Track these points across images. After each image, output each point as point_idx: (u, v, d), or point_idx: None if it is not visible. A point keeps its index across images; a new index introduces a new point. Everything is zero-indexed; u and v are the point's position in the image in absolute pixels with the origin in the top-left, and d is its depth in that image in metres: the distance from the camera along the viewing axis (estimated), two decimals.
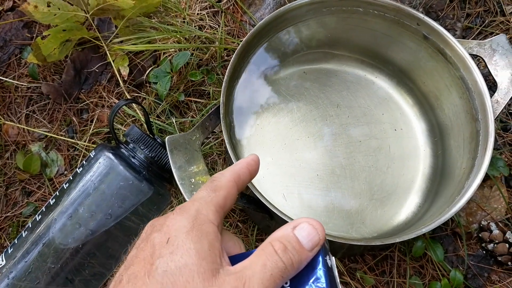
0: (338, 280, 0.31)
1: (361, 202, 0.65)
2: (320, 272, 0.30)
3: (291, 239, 0.29)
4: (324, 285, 0.29)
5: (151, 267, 0.27)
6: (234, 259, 0.30)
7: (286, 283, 0.30)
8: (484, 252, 0.69)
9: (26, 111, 0.77)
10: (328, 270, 0.30)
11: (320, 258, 0.30)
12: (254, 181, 0.65)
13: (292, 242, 0.29)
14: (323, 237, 0.30)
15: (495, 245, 0.67)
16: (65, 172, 0.74)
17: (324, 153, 0.67)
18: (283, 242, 0.29)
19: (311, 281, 0.29)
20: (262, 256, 0.28)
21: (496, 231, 0.68)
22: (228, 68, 0.58)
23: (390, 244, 0.67)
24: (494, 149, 0.72)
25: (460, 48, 0.60)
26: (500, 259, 0.67)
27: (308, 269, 0.30)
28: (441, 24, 0.78)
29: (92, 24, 0.75)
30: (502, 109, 0.60)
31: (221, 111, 0.55)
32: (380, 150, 0.67)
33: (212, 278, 0.26)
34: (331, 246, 0.64)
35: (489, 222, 0.69)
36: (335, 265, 0.32)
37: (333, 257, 0.32)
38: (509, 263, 0.67)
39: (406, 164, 0.66)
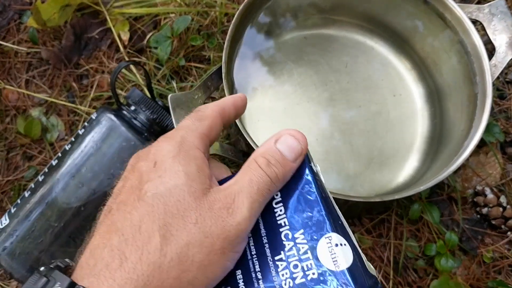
0: (324, 185, 0.32)
1: (360, 166, 0.66)
2: (308, 178, 0.31)
3: (274, 152, 0.30)
4: (314, 189, 0.30)
5: (140, 192, 0.27)
6: (223, 183, 0.31)
7: (276, 195, 0.31)
8: (478, 216, 0.70)
9: (26, 76, 0.77)
10: (315, 175, 0.31)
11: (306, 166, 0.31)
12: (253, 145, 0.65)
13: (275, 156, 0.30)
14: (305, 146, 0.31)
15: (489, 209, 0.69)
16: (66, 137, 0.74)
17: (323, 118, 0.68)
18: (266, 157, 0.29)
19: (300, 188, 0.30)
20: (247, 172, 0.29)
21: (490, 196, 0.69)
22: (232, 22, 0.58)
23: (388, 206, 0.69)
24: (490, 116, 0.74)
25: (460, 11, 0.60)
26: (493, 222, 0.69)
27: (296, 178, 0.31)
28: None
29: None
30: (500, 73, 0.60)
31: (223, 70, 0.56)
32: (380, 115, 0.68)
33: (203, 197, 0.26)
34: None
35: (484, 187, 0.71)
36: (320, 171, 0.33)
37: (318, 165, 0.33)
38: (502, 226, 0.69)
39: (405, 128, 0.67)
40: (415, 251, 0.68)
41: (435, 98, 0.67)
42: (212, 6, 0.74)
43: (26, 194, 0.63)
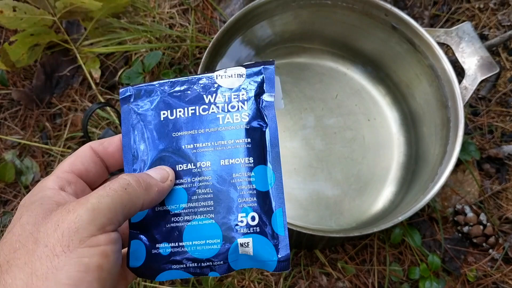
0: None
1: (339, 194, 0.66)
2: None
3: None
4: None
5: None
6: None
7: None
8: (460, 235, 0.71)
9: None
10: None
11: None
12: None
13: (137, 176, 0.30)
14: (172, 176, 0.32)
15: (470, 227, 0.69)
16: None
17: (300, 147, 0.67)
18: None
19: None
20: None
21: (470, 214, 0.70)
22: (200, 67, 0.58)
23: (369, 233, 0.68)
24: (465, 133, 0.74)
25: (428, 37, 0.61)
26: (475, 240, 0.69)
27: None
28: (409, 13, 0.79)
29: (61, 27, 0.74)
30: (471, 95, 0.61)
31: None
32: (355, 141, 0.68)
33: (46, 217, 0.28)
34: (311, 240, 0.65)
35: (463, 206, 0.71)
36: None
37: None
38: (484, 244, 0.69)
39: (381, 153, 0.67)
40: (399, 275, 0.68)
41: (410, 122, 0.67)
42: (183, 40, 0.74)
43: None
